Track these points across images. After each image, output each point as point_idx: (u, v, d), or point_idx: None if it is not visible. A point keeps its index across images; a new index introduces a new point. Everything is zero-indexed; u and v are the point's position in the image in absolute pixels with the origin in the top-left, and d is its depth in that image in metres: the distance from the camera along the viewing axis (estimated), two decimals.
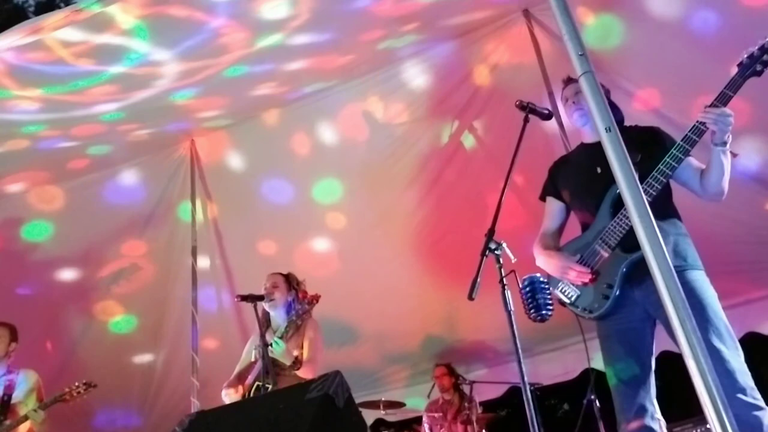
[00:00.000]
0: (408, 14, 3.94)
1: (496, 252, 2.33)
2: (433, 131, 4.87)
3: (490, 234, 2.34)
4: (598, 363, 2.66)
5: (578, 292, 2.52)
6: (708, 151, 2.39)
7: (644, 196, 1.68)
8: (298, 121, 4.88)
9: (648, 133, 2.59)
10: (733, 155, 2.41)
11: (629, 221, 2.37)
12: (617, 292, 2.41)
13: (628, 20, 4.10)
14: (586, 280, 2.48)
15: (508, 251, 2.36)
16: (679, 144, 2.35)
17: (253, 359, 3.60)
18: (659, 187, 2.34)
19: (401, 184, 5.06)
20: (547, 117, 2.71)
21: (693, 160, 2.48)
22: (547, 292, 2.43)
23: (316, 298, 3.51)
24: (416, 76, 4.63)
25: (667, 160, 2.34)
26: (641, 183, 2.36)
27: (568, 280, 2.53)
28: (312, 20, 3.67)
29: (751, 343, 5.19)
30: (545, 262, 2.64)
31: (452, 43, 4.51)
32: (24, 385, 3.97)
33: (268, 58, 4.01)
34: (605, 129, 1.76)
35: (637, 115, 4.12)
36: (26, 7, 13.08)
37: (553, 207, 2.79)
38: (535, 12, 4.32)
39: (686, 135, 2.33)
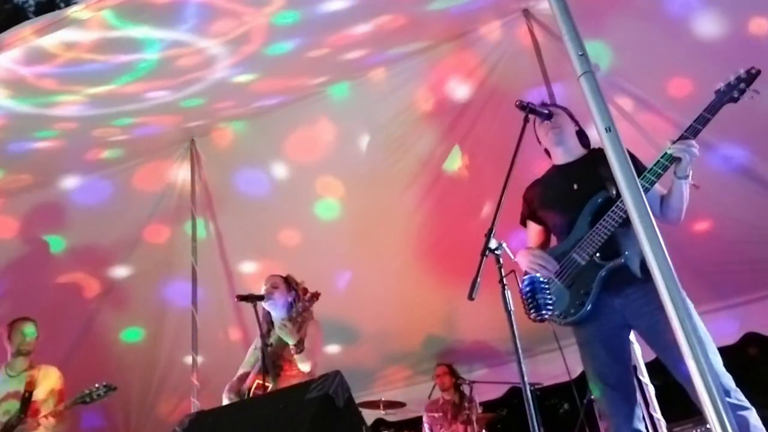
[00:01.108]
0: (408, 14, 3.94)
1: (496, 252, 2.33)
2: (433, 131, 4.87)
3: (490, 234, 2.35)
4: None
5: (554, 298, 2.55)
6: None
7: (644, 196, 1.69)
8: (298, 121, 4.87)
9: None
10: (696, 187, 2.52)
11: (608, 231, 2.44)
12: (593, 299, 2.46)
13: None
14: (550, 269, 2.55)
15: (508, 251, 2.37)
16: (651, 168, 2.43)
17: (254, 360, 3.62)
18: None
19: (401, 185, 5.06)
20: (547, 117, 2.72)
21: (657, 185, 2.55)
22: (547, 292, 2.43)
23: (316, 296, 3.52)
24: (416, 75, 4.63)
25: (647, 174, 2.42)
26: (616, 201, 2.41)
27: (536, 271, 2.58)
28: (312, 22, 3.67)
29: (751, 343, 5.20)
30: (520, 256, 2.71)
31: (452, 43, 4.51)
32: (46, 381, 3.94)
33: (270, 58, 4.01)
34: (605, 129, 1.76)
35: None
36: (26, 7, 13.09)
37: (533, 230, 2.87)
38: (535, 12, 4.32)
39: (658, 161, 2.43)
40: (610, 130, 1.76)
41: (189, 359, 4.63)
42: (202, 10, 3.38)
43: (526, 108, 2.63)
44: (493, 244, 2.33)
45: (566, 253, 2.57)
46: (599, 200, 2.53)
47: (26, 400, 3.81)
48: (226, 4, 3.40)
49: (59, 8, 4.69)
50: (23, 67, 3.41)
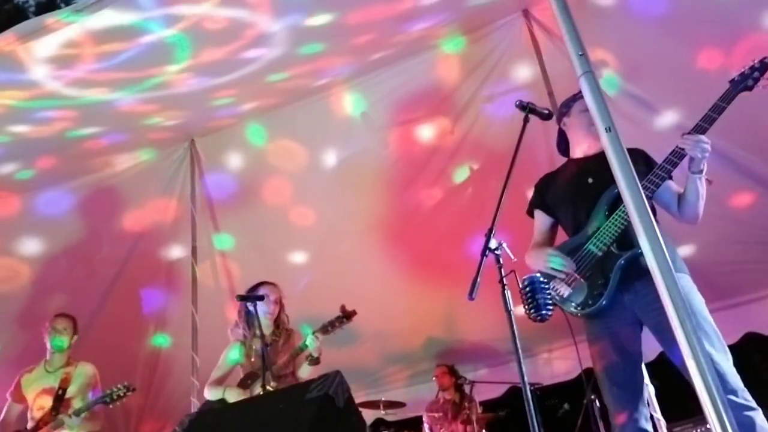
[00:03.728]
0: (408, 14, 3.94)
1: (496, 252, 2.34)
2: (432, 131, 4.87)
3: (490, 234, 2.35)
4: None
5: (570, 290, 2.55)
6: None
7: (643, 195, 1.69)
8: (297, 121, 4.87)
9: (634, 153, 2.66)
10: (709, 182, 2.54)
11: (624, 221, 2.42)
12: (612, 289, 2.44)
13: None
14: (570, 266, 2.53)
15: (508, 251, 2.37)
16: (661, 164, 2.46)
17: (252, 360, 3.64)
18: (648, 193, 2.41)
19: (401, 185, 5.06)
20: (547, 117, 2.72)
21: (673, 184, 2.57)
22: (547, 292, 2.43)
23: (353, 314, 3.61)
24: (416, 75, 4.63)
25: (651, 177, 2.44)
26: None
27: (553, 269, 2.57)
28: (312, 22, 3.67)
29: (751, 343, 5.20)
30: (532, 258, 2.71)
31: (453, 43, 4.50)
32: (80, 379, 3.93)
33: (270, 59, 4.00)
34: (606, 129, 1.77)
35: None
36: (26, 7, 13.09)
37: (542, 221, 2.85)
38: (535, 12, 4.32)
39: (667, 157, 2.45)
40: (610, 130, 1.76)
41: (189, 359, 4.63)
42: None
43: (526, 108, 2.63)
44: (493, 244, 2.33)
45: (582, 245, 2.55)
46: (615, 191, 2.47)
47: (59, 396, 3.81)
48: None
49: (59, 8, 4.68)
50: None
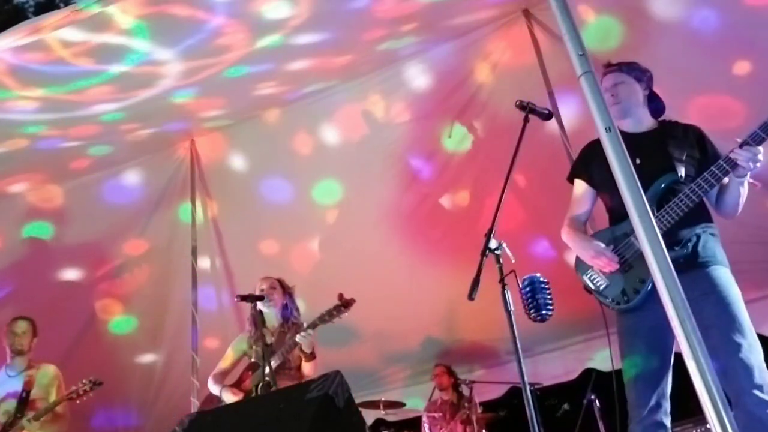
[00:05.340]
0: (408, 14, 3.94)
1: (496, 252, 2.34)
2: (433, 131, 4.87)
3: (490, 234, 2.34)
4: (599, 363, 2.66)
5: (607, 282, 2.50)
6: None
7: (644, 195, 1.69)
8: (298, 121, 4.88)
9: (688, 130, 2.61)
10: (754, 185, 2.50)
11: (673, 218, 2.36)
12: (649, 287, 2.37)
13: (628, 21, 4.09)
14: (612, 269, 2.46)
15: (508, 251, 2.37)
16: (712, 169, 2.37)
17: (254, 359, 3.65)
18: (696, 199, 2.37)
19: (401, 184, 5.06)
20: (547, 117, 2.71)
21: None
22: (547, 291, 2.42)
23: (350, 302, 3.58)
24: (416, 76, 4.63)
25: (706, 175, 2.37)
26: (684, 183, 2.39)
27: (596, 267, 2.51)
28: (312, 20, 3.66)
29: None
30: (577, 244, 2.60)
31: (452, 43, 4.51)
32: (43, 380, 3.94)
33: (269, 57, 4.01)
34: (605, 129, 1.76)
35: None
36: (26, 8, 13.08)
37: (582, 191, 2.71)
38: (535, 12, 4.32)
39: (719, 164, 2.37)
40: (610, 130, 1.75)
41: (188, 359, 4.63)
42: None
43: (526, 108, 2.62)
44: (493, 244, 2.33)
45: (626, 235, 2.47)
46: (662, 185, 2.43)
47: (24, 400, 3.80)
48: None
49: (58, 8, 4.67)
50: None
